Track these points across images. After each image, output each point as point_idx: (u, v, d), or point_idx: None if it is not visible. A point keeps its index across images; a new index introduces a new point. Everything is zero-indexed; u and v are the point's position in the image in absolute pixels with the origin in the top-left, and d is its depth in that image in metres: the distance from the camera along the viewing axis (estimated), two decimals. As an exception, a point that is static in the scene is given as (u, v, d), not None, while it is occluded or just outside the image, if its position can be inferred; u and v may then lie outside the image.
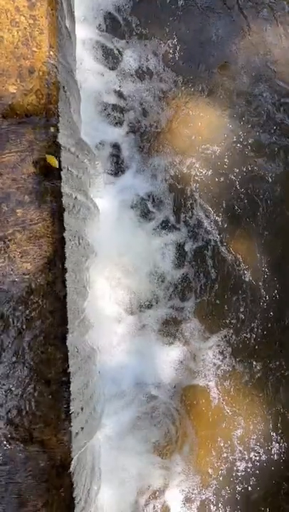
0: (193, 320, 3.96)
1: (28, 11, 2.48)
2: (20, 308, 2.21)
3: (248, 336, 4.00)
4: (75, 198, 2.81)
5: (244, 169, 4.33)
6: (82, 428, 2.39)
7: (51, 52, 2.47)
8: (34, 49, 2.45)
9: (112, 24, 4.51)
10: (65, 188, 2.51)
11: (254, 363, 3.94)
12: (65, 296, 2.26)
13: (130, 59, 4.44)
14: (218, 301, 4.04)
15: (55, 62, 2.47)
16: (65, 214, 2.40)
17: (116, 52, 4.44)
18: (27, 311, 2.21)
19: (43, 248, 2.28)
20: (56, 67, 2.47)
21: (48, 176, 2.36)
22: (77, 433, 2.27)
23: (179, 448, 3.70)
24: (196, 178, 4.24)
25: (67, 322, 2.25)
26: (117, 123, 4.29)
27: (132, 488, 3.55)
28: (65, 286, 2.27)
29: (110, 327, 3.84)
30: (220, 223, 4.16)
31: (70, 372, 2.22)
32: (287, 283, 4.15)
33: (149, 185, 4.16)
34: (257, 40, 4.68)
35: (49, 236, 2.30)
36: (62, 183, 2.38)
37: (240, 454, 3.75)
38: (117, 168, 4.18)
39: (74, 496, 2.16)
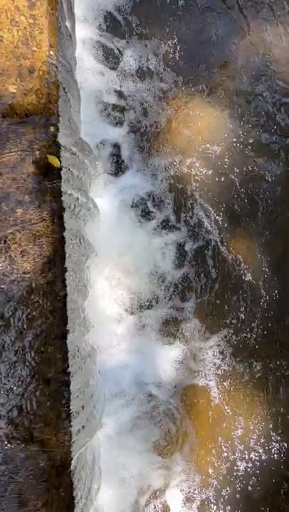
0: (193, 320, 3.96)
1: (28, 11, 2.48)
2: (20, 308, 2.22)
3: (249, 335, 4.00)
4: (76, 198, 2.81)
5: (244, 169, 4.33)
6: (82, 428, 2.39)
7: (51, 52, 2.47)
8: (34, 48, 2.45)
9: (112, 24, 4.51)
10: (66, 188, 2.51)
11: (254, 362, 3.94)
12: (65, 296, 2.27)
13: (130, 59, 4.44)
14: (218, 301, 4.04)
15: (55, 62, 2.47)
16: (66, 214, 2.40)
17: (116, 52, 4.44)
18: (27, 311, 2.21)
19: (43, 248, 2.29)
20: (56, 67, 2.47)
21: (48, 176, 2.36)
22: (77, 433, 2.27)
23: (179, 447, 3.70)
24: (197, 177, 4.24)
25: (67, 322, 2.25)
26: (117, 123, 4.29)
27: (132, 487, 3.55)
28: (65, 286, 2.28)
29: (110, 327, 3.84)
30: (220, 223, 4.16)
31: (70, 372, 2.22)
32: (288, 283, 4.14)
33: (150, 185, 4.16)
34: (257, 39, 4.68)
35: (49, 236, 2.31)
36: (62, 183, 2.38)
37: (240, 454, 3.75)
38: (117, 167, 4.18)
39: (74, 495, 2.16)
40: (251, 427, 3.81)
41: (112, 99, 4.33)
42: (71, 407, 2.20)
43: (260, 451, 3.78)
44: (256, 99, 4.51)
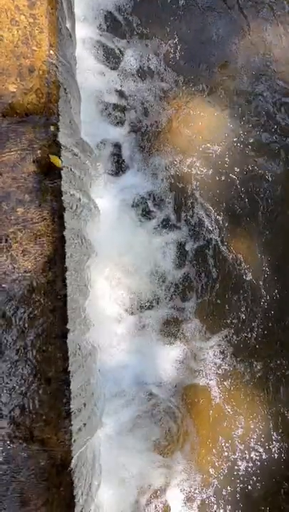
0: (193, 320, 3.96)
1: (28, 10, 2.48)
2: (22, 307, 2.22)
3: (249, 335, 4.00)
4: (78, 198, 2.82)
5: (245, 168, 4.33)
6: (82, 427, 2.39)
7: (51, 51, 2.47)
8: (34, 48, 2.45)
9: (112, 24, 4.51)
10: (68, 189, 2.52)
11: (255, 362, 3.94)
12: (65, 295, 2.27)
13: (131, 58, 4.45)
14: (218, 301, 4.04)
15: (55, 61, 2.47)
16: (67, 214, 2.40)
17: (117, 51, 4.44)
18: (29, 310, 2.22)
19: (44, 247, 2.29)
20: (56, 66, 2.47)
21: (49, 175, 2.36)
22: (77, 432, 2.27)
23: (180, 447, 3.70)
24: (197, 177, 4.24)
25: (67, 321, 2.26)
26: (117, 122, 4.30)
27: (132, 487, 3.54)
28: (65, 285, 2.28)
29: (110, 327, 3.84)
30: (220, 222, 4.16)
31: (70, 371, 2.22)
32: (288, 282, 4.14)
33: (150, 185, 4.16)
34: (257, 39, 4.68)
35: (49, 235, 2.31)
36: (62, 182, 2.38)
37: (240, 453, 3.75)
38: (118, 167, 4.18)
39: (74, 494, 2.16)
40: (252, 427, 3.81)
41: (113, 99, 4.33)
42: (71, 406, 2.20)
43: (261, 450, 3.78)
44: (256, 99, 4.51)
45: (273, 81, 4.57)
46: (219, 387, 3.85)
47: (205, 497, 3.63)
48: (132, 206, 4.10)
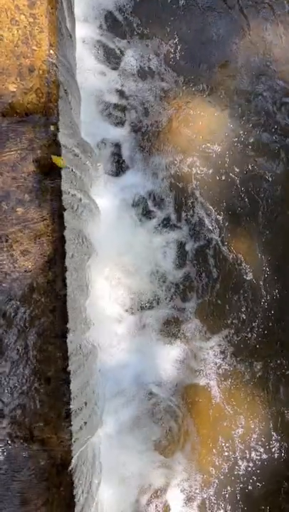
0: (194, 320, 3.96)
1: (28, 10, 2.48)
2: (22, 306, 2.22)
3: (249, 335, 4.00)
4: (79, 198, 2.82)
5: (245, 168, 4.33)
6: (82, 426, 2.39)
7: (51, 51, 2.47)
8: (34, 48, 2.45)
9: (113, 24, 4.51)
10: (69, 189, 2.52)
11: (255, 362, 3.94)
12: (65, 295, 2.27)
13: (131, 58, 4.44)
14: (219, 301, 4.04)
15: (55, 61, 2.47)
16: (68, 214, 2.40)
17: (117, 51, 4.44)
18: (29, 310, 2.22)
19: (44, 247, 2.29)
20: (56, 66, 2.47)
21: (48, 175, 2.36)
22: (77, 431, 2.27)
23: (180, 446, 3.70)
24: (197, 176, 4.24)
25: (67, 320, 2.26)
26: (118, 122, 4.30)
27: (132, 486, 3.55)
28: (65, 285, 2.28)
29: (111, 327, 3.84)
30: (221, 222, 4.16)
31: (70, 371, 2.22)
32: (288, 282, 4.14)
33: (150, 184, 4.16)
34: (257, 39, 4.68)
35: (49, 235, 2.31)
36: (62, 182, 2.38)
37: (241, 453, 3.75)
38: (118, 167, 4.18)
39: (74, 494, 2.16)
40: (252, 426, 3.81)
41: (113, 99, 4.33)
42: (71, 406, 2.20)
43: (261, 450, 3.78)
44: (256, 99, 4.51)
45: (273, 81, 4.57)
46: (219, 387, 3.85)
47: (205, 496, 3.63)
48: (133, 206, 4.10)
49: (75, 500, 2.18)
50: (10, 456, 2.12)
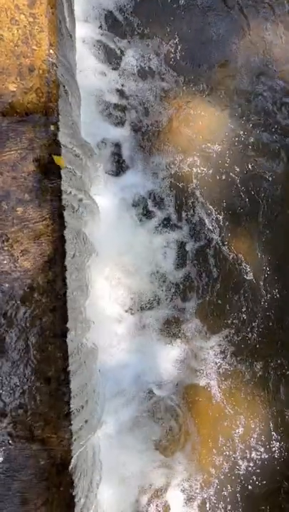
0: (194, 320, 3.96)
1: (28, 9, 2.48)
2: (22, 306, 2.22)
3: (249, 335, 4.00)
4: (77, 197, 2.82)
5: (245, 168, 4.33)
6: (82, 426, 2.39)
7: (51, 51, 2.47)
8: (34, 47, 2.45)
9: (113, 23, 4.51)
10: (68, 188, 2.51)
11: (255, 362, 3.94)
12: (65, 294, 2.27)
13: (132, 58, 4.44)
14: (219, 301, 4.04)
15: (55, 61, 2.47)
16: (67, 213, 2.40)
17: (117, 51, 4.44)
18: (29, 310, 2.22)
19: (44, 246, 2.29)
20: (56, 66, 2.47)
21: (48, 175, 2.36)
22: (77, 431, 2.27)
23: (181, 446, 3.70)
24: (197, 176, 4.24)
25: (67, 320, 2.26)
26: (118, 122, 4.29)
27: (133, 486, 3.55)
28: (65, 285, 2.28)
29: (111, 327, 3.84)
30: (221, 222, 4.16)
31: (69, 371, 2.22)
32: (288, 282, 4.14)
33: (151, 184, 4.16)
34: (257, 39, 4.68)
35: (49, 235, 2.31)
36: (62, 182, 2.38)
37: (241, 453, 3.75)
38: (118, 167, 4.18)
39: (74, 493, 2.16)
40: (252, 426, 3.81)
41: (114, 99, 4.33)
42: (71, 406, 2.20)
43: (261, 450, 3.78)
44: (256, 99, 4.51)
45: (273, 80, 4.57)
46: (220, 387, 3.85)
47: (205, 496, 3.63)
48: (133, 205, 4.10)
49: (75, 500, 2.18)
50: (10, 456, 2.12)
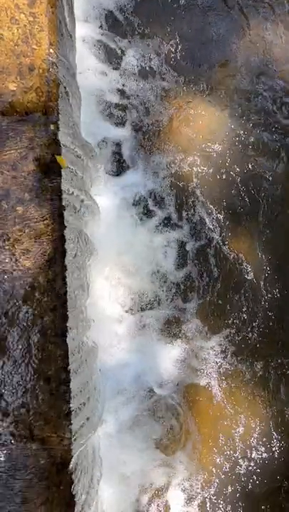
0: (195, 319, 3.96)
1: (27, 9, 2.48)
2: (24, 305, 2.22)
3: (250, 335, 4.00)
4: (79, 198, 2.82)
5: (245, 167, 4.33)
6: (82, 425, 2.39)
7: (51, 50, 2.47)
8: (34, 46, 2.45)
9: (113, 23, 4.51)
10: (70, 188, 2.52)
11: (255, 361, 3.94)
12: (65, 294, 2.27)
13: (132, 58, 4.45)
14: (220, 301, 4.04)
15: (55, 60, 2.47)
16: (67, 213, 2.40)
17: (118, 51, 4.44)
18: (31, 309, 2.22)
19: (44, 246, 2.29)
20: (56, 65, 2.47)
21: (48, 174, 2.36)
22: (77, 430, 2.27)
23: (182, 446, 3.70)
24: (198, 176, 4.24)
25: (67, 319, 2.26)
26: (119, 122, 4.30)
27: (133, 486, 3.54)
28: (65, 284, 2.28)
29: (111, 327, 3.84)
30: (221, 221, 4.16)
31: (70, 370, 2.22)
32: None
33: (151, 183, 4.16)
34: (257, 39, 4.68)
35: (49, 234, 2.31)
36: (62, 181, 2.38)
37: (241, 452, 3.75)
38: (119, 166, 4.18)
39: (74, 493, 2.16)
40: (253, 426, 3.81)
41: (114, 99, 4.33)
42: (71, 405, 2.20)
43: (262, 449, 3.78)
44: (257, 98, 4.51)
45: (273, 80, 4.57)
46: (220, 386, 3.85)
47: (206, 496, 3.63)
48: (133, 205, 4.10)
49: (75, 499, 2.18)
50: (11, 455, 2.12)
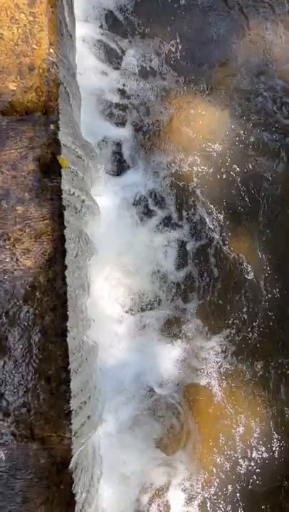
0: (195, 319, 3.96)
1: (27, 8, 2.48)
2: (24, 305, 2.22)
3: (250, 334, 4.00)
4: (80, 198, 2.82)
5: (245, 167, 4.33)
6: (82, 425, 2.39)
7: (51, 50, 2.47)
8: (34, 46, 2.45)
9: (114, 23, 4.51)
10: (71, 189, 2.52)
11: (256, 361, 3.94)
12: (65, 293, 2.27)
13: (132, 58, 4.45)
14: (220, 301, 4.04)
15: (55, 60, 2.47)
16: (68, 213, 2.40)
17: (118, 51, 4.45)
18: (32, 308, 2.22)
19: (44, 245, 2.29)
20: (56, 65, 2.47)
21: (48, 174, 2.36)
22: (77, 430, 2.27)
23: (182, 445, 3.70)
24: (198, 175, 4.24)
25: (67, 319, 2.26)
26: (119, 122, 4.30)
27: (133, 485, 3.54)
28: (65, 283, 2.28)
29: (111, 327, 3.84)
30: (222, 221, 4.16)
31: (70, 370, 2.22)
32: (289, 281, 4.15)
33: (151, 183, 4.16)
34: (257, 39, 4.68)
35: (50, 234, 2.31)
36: (62, 181, 2.38)
37: (242, 452, 3.75)
38: (119, 166, 4.18)
39: (74, 492, 2.16)
40: (253, 425, 3.81)
41: (114, 99, 4.34)
42: (72, 405, 2.20)
43: (262, 449, 3.78)
44: (257, 98, 4.51)
45: (273, 80, 4.57)
46: (221, 386, 3.85)
47: (206, 495, 3.63)
48: (133, 204, 4.10)
49: (75, 498, 2.18)
50: (12, 455, 2.13)
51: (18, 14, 2.47)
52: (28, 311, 2.21)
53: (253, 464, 3.74)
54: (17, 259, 2.26)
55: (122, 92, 4.36)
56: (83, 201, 2.91)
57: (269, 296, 4.09)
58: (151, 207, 4.12)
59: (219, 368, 3.90)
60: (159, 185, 4.17)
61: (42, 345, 2.20)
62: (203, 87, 4.48)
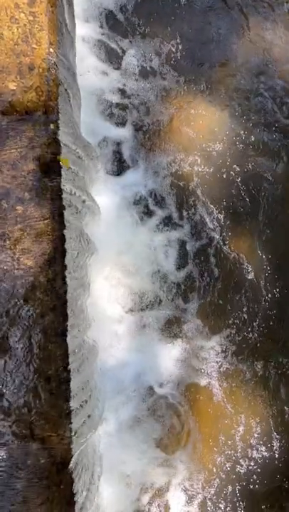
0: (195, 319, 3.96)
1: (27, 8, 2.48)
2: (24, 305, 2.22)
3: (250, 334, 3.99)
4: (81, 198, 2.82)
5: (245, 167, 4.33)
6: (82, 425, 2.39)
7: (51, 49, 2.47)
8: (34, 46, 2.45)
9: (114, 23, 4.51)
10: (72, 189, 2.52)
11: (256, 361, 3.94)
12: (65, 293, 2.27)
13: (133, 58, 4.45)
14: (220, 301, 4.04)
15: (54, 59, 2.47)
16: (68, 212, 2.40)
17: (119, 51, 4.45)
18: (32, 308, 2.22)
19: (44, 245, 2.29)
20: (56, 64, 2.47)
21: (48, 173, 2.36)
22: (77, 429, 2.27)
23: (182, 445, 3.70)
24: (198, 175, 4.24)
25: (67, 319, 2.26)
26: (119, 121, 4.30)
27: (133, 485, 3.54)
28: (65, 283, 2.28)
29: (111, 326, 3.84)
30: (222, 221, 4.16)
31: (70, 370, 2.22)
32: (289, 281, 4.15)
33: (151, 183, 4.16)
34: (257, 38, 4.68)
35: (50, 233, 2.31)
36: (62, 180, 2.38)
37: (242, 452, 3.75)
38: (119, 166, 4.18)
39: (74, 492, 2.16)
40: (253, 425, 3.81)
41: (115, 98, 4.34)
42: (72, 404, 2.20)
43: (262, 449, 3.77)
44: (257, 98, 4.51)
45: (273, 80, 4.57)
46: (221, 386, 3.85)
47: (206, 495, 3.63)
48: (133, 204, 4.10)
49: (75, 498, 2.18)
50: (12, 455, 2.13)
51: (18, 14, 2.47)
52: (28, 311, 2.21)
53: (253, 463, 3.74)
54: (17, 259, 2.26)
55: (122, 92, 4.36)
56: (84, 201, 2.91)
57: (269, 296, 4.09)
58: (152, 207, 4.12)
59: (219, 367, 3.90)
60: (159, 185, 4.17)
61: (42, 345, 2.20)
62: (204, 87, 4.48)
